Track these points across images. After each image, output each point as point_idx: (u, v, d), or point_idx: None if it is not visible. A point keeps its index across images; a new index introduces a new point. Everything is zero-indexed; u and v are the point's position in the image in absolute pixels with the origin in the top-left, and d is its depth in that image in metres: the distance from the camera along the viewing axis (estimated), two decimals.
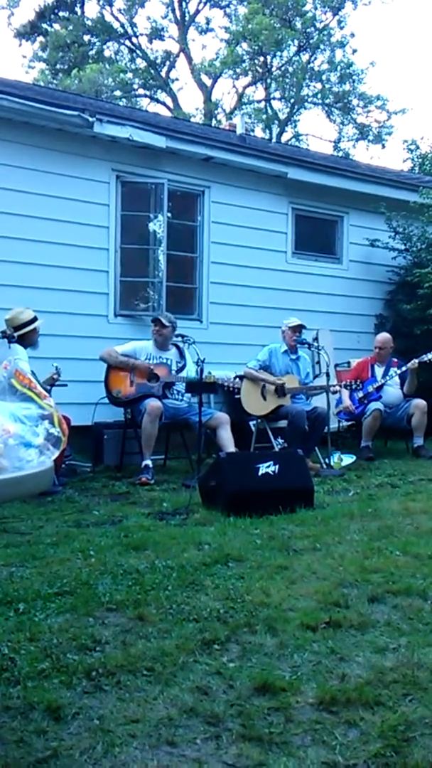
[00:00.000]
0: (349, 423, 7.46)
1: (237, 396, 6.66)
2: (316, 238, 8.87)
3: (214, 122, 22.60)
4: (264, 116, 24.40)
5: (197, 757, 1.95)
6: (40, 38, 24.03)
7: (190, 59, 24.39)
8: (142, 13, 27.92)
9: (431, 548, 3.76)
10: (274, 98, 25.02)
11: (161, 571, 3.36)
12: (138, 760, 1.92)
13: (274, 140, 20.83)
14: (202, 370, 5.75)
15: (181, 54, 24.48)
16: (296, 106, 24.66)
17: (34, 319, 5.59)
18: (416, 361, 6.98)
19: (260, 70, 23.97)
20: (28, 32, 23.72)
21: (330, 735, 2.05)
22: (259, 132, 23.44)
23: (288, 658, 2.51)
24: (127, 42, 24.70)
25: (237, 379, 6.40)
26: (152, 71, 24.79)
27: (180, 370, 6.33)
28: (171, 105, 24.53)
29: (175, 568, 3.40)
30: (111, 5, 23.84)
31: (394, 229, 8.76)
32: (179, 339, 6.42)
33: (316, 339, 7.72)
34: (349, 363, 7.93)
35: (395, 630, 2.75)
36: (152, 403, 5.88)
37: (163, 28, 24.34)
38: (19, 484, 1.78)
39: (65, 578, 3.24)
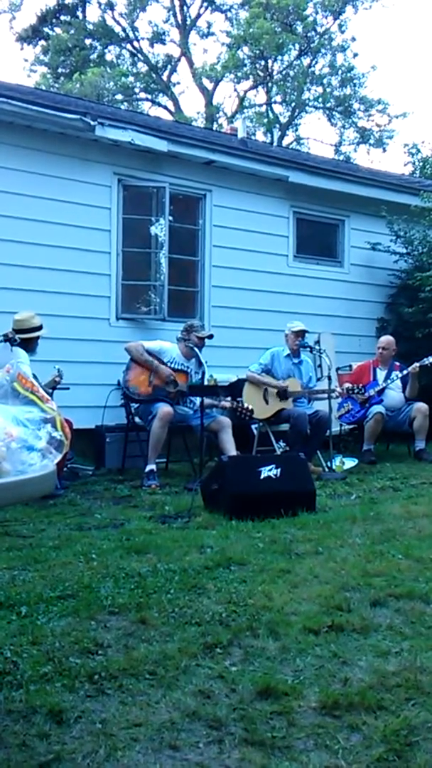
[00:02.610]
0: (351, 426, 7.45)
1: (241, 407, 6.58)
2: (317, 241, 8.88)
3: (215, 126, 22.62)
4: (265, 120, 24.42)
5: (200, 761, 1.94)
6: (42, 42, 24.08)
7: (191, 63, 24.45)
8: (144, 17, 28.15)
9: None
10: (275, 102, 25.05)
11: (163, 575, 3.36)
12: (140, 764, 1.92)
13: (275, 144, 20.86)
14: (203, 374, 5.75)
15: (183, 58, 24.53)
16: (297, 110, 24.69)
17: (41, 328, 5.62)
18: (417, 365, 6.98)
19: (261, 74, 24.00)
20: (30, 36, 23.76)
21: (333, 739, 2.04)
22: (260, 136, 23.49)
23: (290, 662, 2.51)
24: (129, 46, 24.76)
25: (248, 406, 6.27)
26: (154, 75, 24.84)
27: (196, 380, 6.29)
28: (172, 109, 24.57)
29: (177, 572, 3.39)
30: (112, 9, 23.92)
31: (396, 233, 8.77)
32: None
33: (317, 342, 7.72)
34: (350, 366, 7.93)
35: (398, 634, 2.75)
36: (164, 408, 5.86)
37: (164, 32, 24.42)
38: (21, 487, 1.79)
39: (67, 581, 3.24)
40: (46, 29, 23.90)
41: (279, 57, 23.34)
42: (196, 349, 6.16)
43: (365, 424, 7.08)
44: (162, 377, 6.07)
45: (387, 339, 7.47)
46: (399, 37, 40.42)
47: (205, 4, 24.19)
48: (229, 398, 6.19)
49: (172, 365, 6.20)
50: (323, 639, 2.68)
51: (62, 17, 23.85)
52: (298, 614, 2.90)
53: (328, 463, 6.47)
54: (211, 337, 6.30)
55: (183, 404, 6.16)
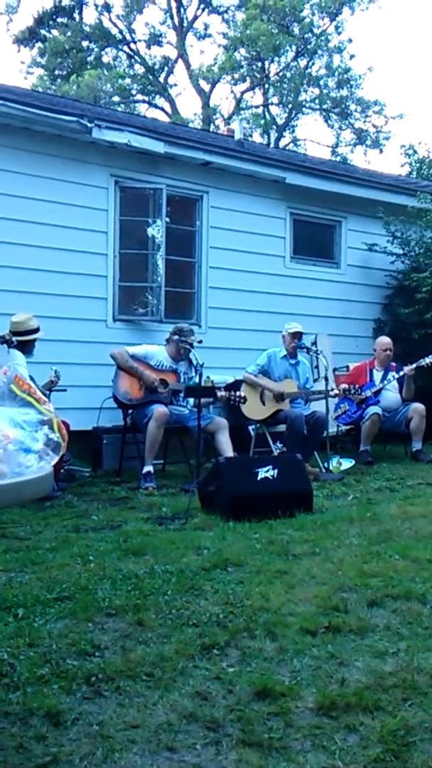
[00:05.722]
0: (348, 427, 7.46)
1: (234, 395, 6.63)
2: (314, 242, 8.88)
3: (212, 127, 22.65)
4: (262, 121, 24.45)
5: (197, 763, 1.95)
6: (39, 44, 24.07)
7: (188, 65, 24.46)
8: (141, 19, 28.11)
9: (430, 552, 3.76)
10: (272, 103, 25.07)
11: (160, 576, 3.35)
12: (138, 766, 1.92)
13: (272, 145, 20.89)
14: (201, 375, 5.75)
15: (180, 60, 24.55)
16: (294, 112, 24.73)
17: (38, 330, 5.62)
18: (413, 366, 6.99)
19: (258, 76, 24.03)
20: (27, 38, 23.74)
21: (330, 740, 2.05)
22: (257, 137, 23.52)
23: (287, 663, 2.51)
24: (126, 48, 24.77)
25: (240, 393, 6.30)
26: (150, 77, 24.85)
27: (187, 381, 6.28)
28: (169, 110, 24.57)
29: (174, 573, 3.39)
30: (109, 11, 23.92)
31: (392, 234, 8.78)
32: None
33: (314, 343, 7.73)
34: (347, 367, 7.94)
35: (395, 634, 2.75)
36: (160, 409, 5.84)
37: (161, 34, 24.43)
38: (18, 489, 1.79)
39: (64, 583, 3.24)
40: (42, 31, 23.89)
41: (276, 58, 23.39)
42: (190, 349, 6.11)
43: (362, 424, 7.09)
44: (147, 384, 6.04)
45: (384, 340, 7.48)
46: (396, 39, 40.51)
47: (202, 5, 24.23)
48: (222, 389, 6.19)
49: (160, 368, 6.19)
50: (320, 640, 2.68)
51: (59, 19, 23.84)
52: (295, 615, 2.91)
53: (325, 464, 6.47)
54: (200, 342, 6.27)
55: (177, 403, 6.16)
